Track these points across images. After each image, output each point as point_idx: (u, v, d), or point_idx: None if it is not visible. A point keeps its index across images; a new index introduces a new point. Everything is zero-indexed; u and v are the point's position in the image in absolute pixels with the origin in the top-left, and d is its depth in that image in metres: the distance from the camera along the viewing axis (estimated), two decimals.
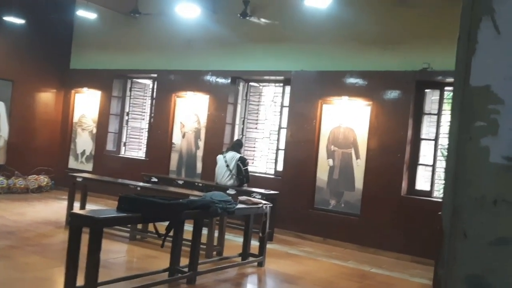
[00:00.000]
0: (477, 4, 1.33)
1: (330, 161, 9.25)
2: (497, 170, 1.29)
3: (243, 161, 8.79)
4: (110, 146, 12.10)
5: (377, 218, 8.60)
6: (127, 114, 12.22)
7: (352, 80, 9.08)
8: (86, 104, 12.55)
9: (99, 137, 12.11)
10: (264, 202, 6.79)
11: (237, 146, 9.17)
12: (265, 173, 10.15)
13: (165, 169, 10.97)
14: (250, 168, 9.37)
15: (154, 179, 9.45)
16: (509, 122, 1.29)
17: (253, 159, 10.32)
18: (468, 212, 1.33)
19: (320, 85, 9.35)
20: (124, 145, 12.20)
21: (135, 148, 12.12)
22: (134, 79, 12.14)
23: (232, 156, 8.87)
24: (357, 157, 8.99)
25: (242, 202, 6.54)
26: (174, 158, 11.03)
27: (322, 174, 9.31)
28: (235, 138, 10.29)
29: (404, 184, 8.54)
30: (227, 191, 7.96)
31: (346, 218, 8.91)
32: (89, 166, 12.20)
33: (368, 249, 8.60)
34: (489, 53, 1.31)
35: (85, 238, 4.53)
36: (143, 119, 12.09)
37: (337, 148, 9.19)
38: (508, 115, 1.29)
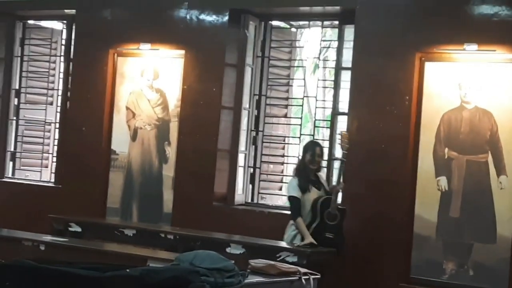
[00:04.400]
0: None
1: (443, 180, 6.48)
2: None
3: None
4: None
5: None
6: (18, 92, 8.44)
7: (485, 10, 6.44)
8: None
9: None
10: (302, 269, 4.80)
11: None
12: None
13: (98, 207, 8.07)
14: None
15: (75, 228, 7.26)
16: None
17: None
18: None
19: (419, 22, 6.70)
20: (13, 158, 8.49)
21: (35, 164, 8.58)
22: (29, 21, 8.64)
23: None
24: (500, 171, 6.33)
25: (255, 270, 4.59)
26: (115, 183, 7.99)
27: (425, 208, 6.51)
28: (243, 135, 7.40)
29: None
30: (228, 249, 5.99)
31: None
32: None
33: None
34: None
35: None
36: (51, 104, 8.41)
37: (457, 154, 6.52)
38: None
